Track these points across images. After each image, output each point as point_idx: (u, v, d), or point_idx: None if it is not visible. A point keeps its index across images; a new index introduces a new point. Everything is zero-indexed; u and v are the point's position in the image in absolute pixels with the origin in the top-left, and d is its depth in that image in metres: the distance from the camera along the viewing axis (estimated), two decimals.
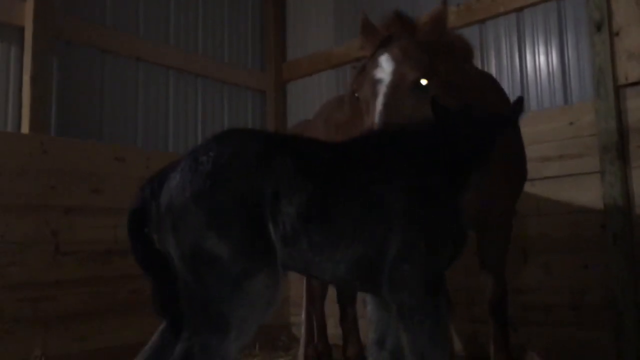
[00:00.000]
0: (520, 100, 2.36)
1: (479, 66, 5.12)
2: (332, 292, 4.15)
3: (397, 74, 2.69)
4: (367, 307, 2.21)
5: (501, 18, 5.08)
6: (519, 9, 4.96)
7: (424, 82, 2.68)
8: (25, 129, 4.53)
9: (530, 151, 4.33)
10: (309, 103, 6.32)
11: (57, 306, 4.08)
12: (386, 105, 2.59)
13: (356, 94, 2.90)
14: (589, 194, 4.07)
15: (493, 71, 5.11)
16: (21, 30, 4.64)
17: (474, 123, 2.25)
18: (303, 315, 3.91)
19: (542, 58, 4.84)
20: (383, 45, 2.78)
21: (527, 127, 4.40)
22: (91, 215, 4.40)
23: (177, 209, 1.75)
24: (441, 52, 2.84)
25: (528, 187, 4.33)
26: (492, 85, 3.56)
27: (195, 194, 1.75)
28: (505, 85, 5.04)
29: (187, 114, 5.91)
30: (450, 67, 2.88)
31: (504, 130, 2.34)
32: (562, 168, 4.24)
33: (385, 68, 2.71)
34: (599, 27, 4.06)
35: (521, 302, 4.24)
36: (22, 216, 4.01)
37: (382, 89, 2.66)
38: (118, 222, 4.52)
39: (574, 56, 4.66)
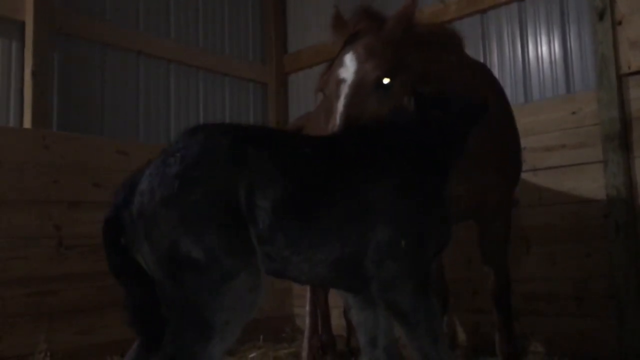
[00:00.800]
0: (484, 99, 2.37)
1: (481, 56, 5.10)
2: None
3: (359, 74, 2.68)
4: (350, 311, 2.18)
5: (503, 7, 5.05)
6: None
7: (386, 81, 2.67)
8: (27, 123, 4.54)
9: (533, 141, 4.34)
10: (310, 95, 6.29)
11: (61, 300, 4.10)
12: (347, 106, 2.59)
13: (324, 92, 2.90)
14: (592, 183, 4.06)
15: (495, 61, 5.09)
16: (22, 25, 4.63)
17: (450, 113, 2.24)
18: (307, 307, 3.91)
19: (545, 47, 4.81)
20: (349, 42, 2.76)
21: (529, 117, 4.41)
22: (94, 210, 4.39)
23: (148, 215, 1.68)
24: (413, 46, 2.80)
25: (530, 177, 4.33)
26: (481, 74, 3.49)
27: (164, 197, 1.67)
28: (508, 75, 5.02)
29: (189, 107, 5.91)
30: (427, 60, 2.86)
31: (478, 119, 2.32)
32: (564, 158, 4.23)
33: (348, 67, 2.70)
34: (601, 16, 4.04)
35: (524, 292, 4.24)
36: (25, 211, 4.02)
37: (344, 90, 2.65)
38: None
39: (576, 45, 4.63)
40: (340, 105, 2.60)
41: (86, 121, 5.02)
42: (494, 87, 3.50)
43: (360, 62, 2.69)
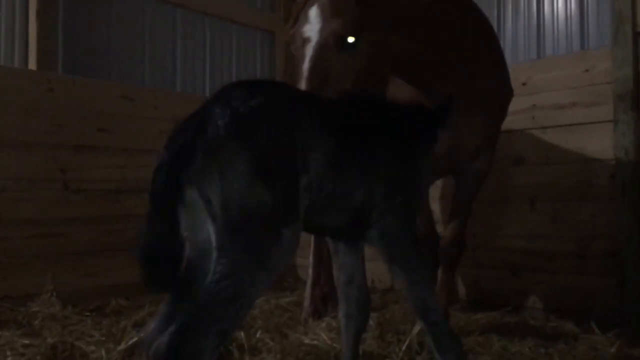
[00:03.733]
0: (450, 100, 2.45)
1: (494, 9, 4.99)
2: None
3: (322, 33, 2.63)
4: (337, 253, 2.42)
5: None
6: None
7: (351, 39, 2.63)
8: (32, 65, 4.49)
9: (543, 98, 4.29)
10: None
11: (67, 242, 4.15)
12: (311, 70, 2.56)
13: (292, 49, 2.85)
14: (600, 143, 4.03)
15: (509, 15, 4.98)
16: None
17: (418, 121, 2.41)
18: (310, 258, 3.95)
19: (561, 2, 4.70)
20: None
21: (541, 74, 4.35)
22: (99, 154, 4.41)
23: (225, 156, 1.73)
24: None
25: (538, 135, 4.29)
26: (465, 9, 3.39)
27: (243, 140, 1.74)
28: (521, 30, 4.92)
29: (195, 53, 5.82)
30: (397, 6, 2.80)
31: (446, 120, 2.46)
32: (574, 116, 4.18)
33: (312, 24, 2.66)
34: None
35: (526, 249, 4.27)
36: (31, 153, 4.03)
37: (309, 51, 2.61)
38: (126, 162, 4.54)
39: (593, 1, 4.52)
40: (305, 69, 2.57)
41: (91, 64, 4.95)
42: (476, 21, 3.41)
43: (323, 20, 2.63)
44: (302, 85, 2.55)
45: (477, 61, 3.27)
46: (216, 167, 1.73)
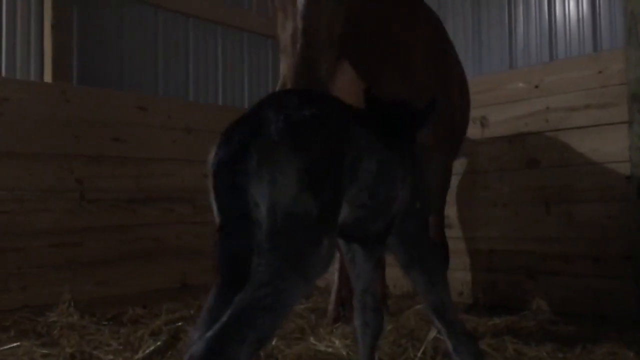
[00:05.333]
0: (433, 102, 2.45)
1: (506, 11, 4.98)
2: None
3: (310, 23, 2.46)
4: (353, 262, 2.43)
5: None
6: None
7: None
8: (47, 77, 4.56)
9: (556, 101, 4.27)
10: None
11: (84, 252, 4.19)
12: (301, 65, 2.38)
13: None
14: (615, 144, 4.00)
15: (520, 17, 4.97)
16: None
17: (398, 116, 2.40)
18: (336, 264, 3.98)
19: (572, 4, 4.68)
20: None
21: (553, 76, 4.32)
22: (114, 164, 4.45)
23: (277, 162, 1.73)
24: None
25: (553, 137, 4.27)
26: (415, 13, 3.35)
27: (296, 149, 1.75)
28: (533, 33, 4.91)
29: (207, 62, 5.87)
30: None
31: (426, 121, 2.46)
32: (588, 118, 4.15)
33: (300, 13, 2.46)
34: None
35: (542, 252, 4.24)
36: (47, 164, 4.07)
37: (297, 46, 2.42)
38: (141, 171, 4.58)
39: (605, 1, 4.49)
40: (295, 64, 2.39)
41: (106, 75, 5.02)
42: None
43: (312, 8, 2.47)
44: (291, 80, 2.37)
45: (417, 63, 3.23)
46: (267, 172, 1.73)
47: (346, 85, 3.01)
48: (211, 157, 1.81)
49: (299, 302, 1.86)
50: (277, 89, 2.35)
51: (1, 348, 3.13)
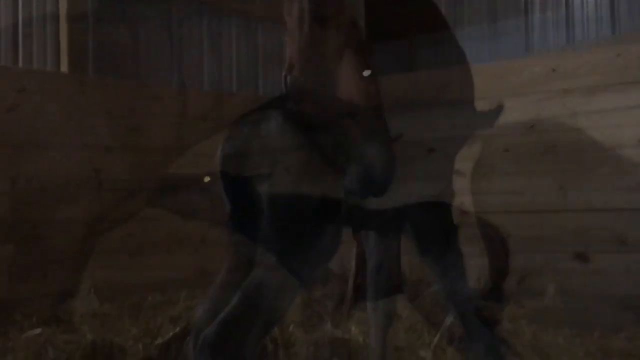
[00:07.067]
0: None
1: None
2: None
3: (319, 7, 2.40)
4: (367, 239, 2.52)
5: None
6: None
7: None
8: (64, 68, 4.59)
9: (574, 84, 4.20)
10: None
11: (103, 241, 4.23)
12: (305, 48, 2.32)
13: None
14: (634, 128, 3.93)
15: (537, 1, 4.90)
16: None
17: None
18: (354, 250, 4.00)
19: None
20: None
21: (571, 59, 4.26)
22: (131, 154, 4.48)
23: (276, 154, 1.80)
24: None
25: (570, 120, 4.22)
26: None
27: (293, 140, 1.80)
28: (550, 15, 4.84)
29: (222, 53, 5.87)
30: None
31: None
32: (606, 101, 4.09)
33: None
34: None
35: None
36: (66, 154, 4.11)
37: (304, 29, 2.36)
38: (157, 161, 4.61)
39: None
40: (299, 47, 2.32)
41: (120, 66, 5.04)
42: None
43: None
44: (296, 67, 2.26)
45: None
46: (267, 163, 1.79)
47: (350, 72, 2.98)
48: (219, 150, 1.89)
49: (304, 287, 1.89)
50: (283, 73, 2.34)
51: (24, 335, 3.19)
